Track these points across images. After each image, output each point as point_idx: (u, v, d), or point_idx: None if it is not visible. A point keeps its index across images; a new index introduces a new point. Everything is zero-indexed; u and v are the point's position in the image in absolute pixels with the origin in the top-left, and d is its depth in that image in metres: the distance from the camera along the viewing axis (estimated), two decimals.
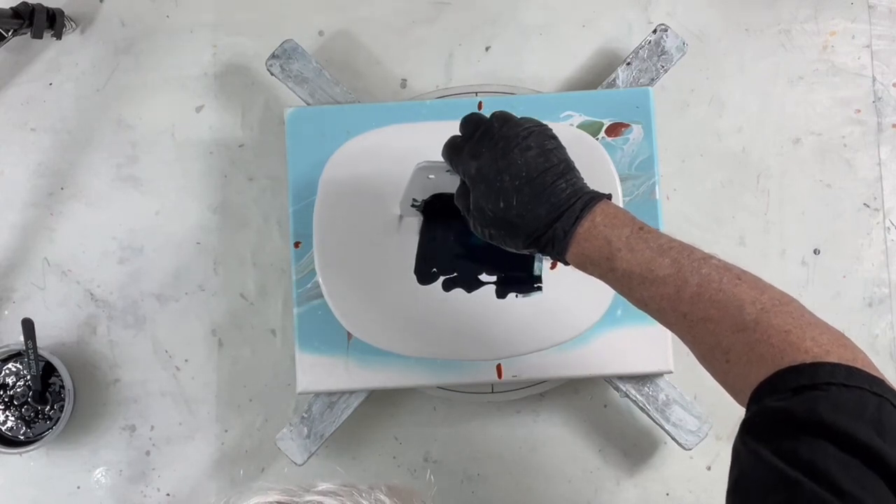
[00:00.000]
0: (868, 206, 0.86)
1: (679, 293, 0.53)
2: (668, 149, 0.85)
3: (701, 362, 0.55)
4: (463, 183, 0.62)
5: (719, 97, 0.87)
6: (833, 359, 0.47)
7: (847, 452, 0.43)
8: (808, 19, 0.88)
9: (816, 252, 0.85)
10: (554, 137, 0.60)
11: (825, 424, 0.44)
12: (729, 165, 0.86)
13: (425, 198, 0.72)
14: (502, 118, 0.60)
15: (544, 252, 0.59)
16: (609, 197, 0.59)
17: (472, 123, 0.61)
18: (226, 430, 0.84)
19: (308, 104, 0.81)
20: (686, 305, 0.53)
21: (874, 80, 0.87)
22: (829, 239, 0.86)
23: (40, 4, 0.82)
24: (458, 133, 0.63)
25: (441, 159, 0.64)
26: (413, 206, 0.74)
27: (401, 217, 0.78)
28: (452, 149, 0.62)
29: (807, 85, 0.87)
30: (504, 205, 0.58)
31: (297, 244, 0.79)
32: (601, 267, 0.56)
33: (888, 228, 0.86)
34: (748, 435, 0.47)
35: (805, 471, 0.43)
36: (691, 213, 0.85)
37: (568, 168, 0.59)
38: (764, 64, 0.87)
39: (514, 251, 0.61)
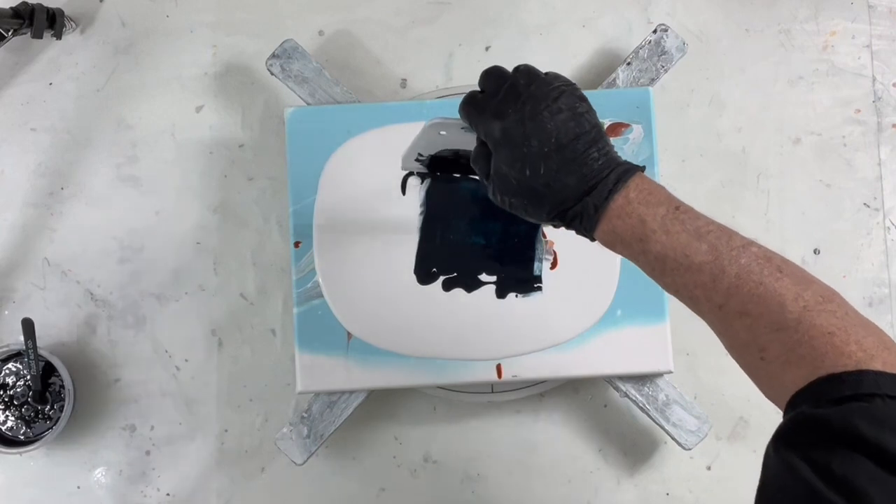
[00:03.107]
0: (868, 206, 0.86)
1: (715, 283, 0.49)
2: (668, 149, 0.85)
3: (730, 352, 0.52)
4: (482, 144, 0.56)
5: (719, 97, 0.87)
6: (877, 365, 0.44)
7: (886, 470, 0.40)
8: (808, 19, 0.88)
9: (816, 252, 0.85)
10: (584, 99, 0.54)
11: (864, 438, 0.41)
12: (729, 165, 0.86)
13: (432, 153, 0.68)
14: (528, 73, 0.54)
15: (569, 226, 0.54)
16: (643, 169, 0.54)
17: (494, 77, 0.55)
18: (226, 430, 0.84)
19: (308, 104, 0.81)
20: (722, 297, 0.49)
21: (874, 80, 0.87)
22: (829, 239, 0.86)
23: (40, 4, 0.82)
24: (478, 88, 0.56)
25: (457, 116, 0.58)
26: (417, 160, 0.69)
27: (404, 187, 0.73)
28: (473, 105, 0.55)
29: (807, 85, 0.87)
30: (530, 172, 0.52)
31: (297, 244, 0.79)
32: (633, 248, 0.52)
33: (888, 228, 0.86)
34: (780, 441, 0.44)
35: (839, 489, 0.40)
36: None
37: (599, 135, 0.53)
38: (764, 64, 0.87)
39: (536, 222, 0.56)
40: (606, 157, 0.53)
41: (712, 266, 0.50)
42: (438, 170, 0.71)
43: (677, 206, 0.52)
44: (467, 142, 0.60)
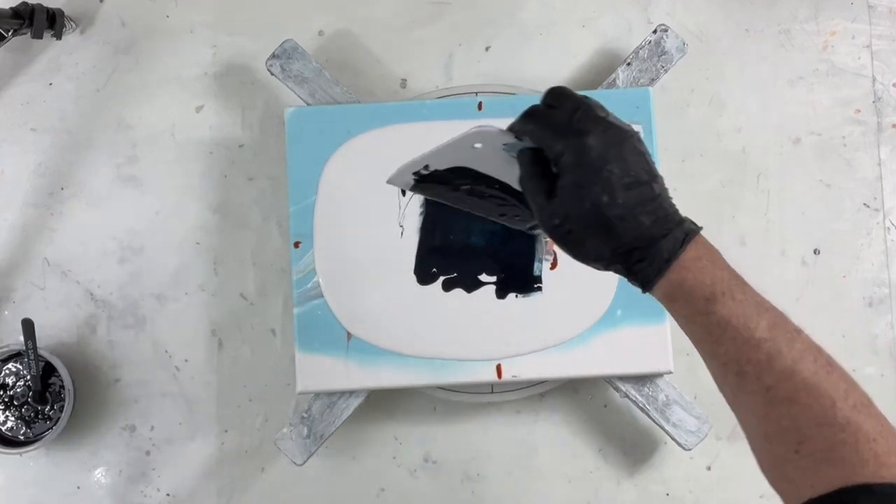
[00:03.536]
0: (868, 206, 0.86)
1: (771, 363, 0.47)
2: (668, 149, 0.85)
3: (751, 436, 0.50)
4: (536, 163, 0.50)
5: (719, 97, 0.87)
6: None
7: None
8: (808, 19, 0.88)
9: (816, 252, 0.85)
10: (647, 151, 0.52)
11: None
12: (729, 165, 0.86)
13: (441, 168, 0.58)
14: (600, 105, 0.50)
15: (629, 270, 0.50)
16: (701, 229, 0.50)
17: (566, 95, 0.50)
18: (226, 430, 0.84)
19: (308, 104, 0.81)
20: (773, 379, 0.47)
21: (874, 80, 0.87)
22: (829, 239, 0.86)
23: (40, 4, 0.82)
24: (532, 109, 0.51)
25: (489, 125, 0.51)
26: (416, 172, 0.58)
27: (401, 203, 0.67)
28: (541, 119, 0.50)
29: (807, 85, 0.87)
30: (608, 199, 0.47)
31: (297, 244, 0.79)
32: (696, 307, 0.48)
33: (888, 228, 0.86)
34: None
35: None
36: (691, 213, 0.84)
37: (664, 188, 0.50)
38: (764, 64, 0.87)
39: (583, 261, 0.52)
40: (672, 209, 0.50)
41: (770, 345, 0.47)
42: (431, 193, 0.61)
43: (736, 275, 0.49)
44: (496, 164, 0.54)
